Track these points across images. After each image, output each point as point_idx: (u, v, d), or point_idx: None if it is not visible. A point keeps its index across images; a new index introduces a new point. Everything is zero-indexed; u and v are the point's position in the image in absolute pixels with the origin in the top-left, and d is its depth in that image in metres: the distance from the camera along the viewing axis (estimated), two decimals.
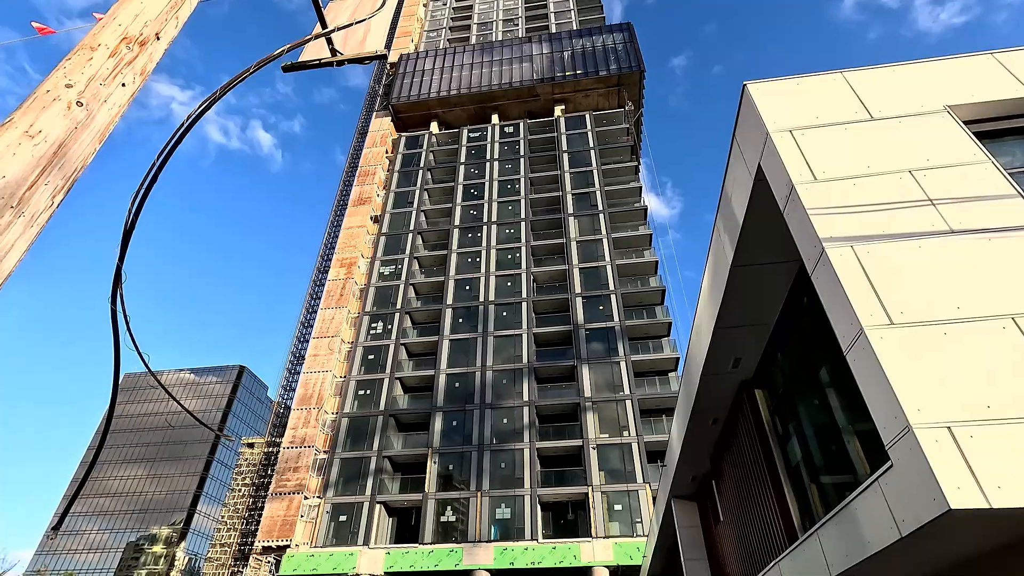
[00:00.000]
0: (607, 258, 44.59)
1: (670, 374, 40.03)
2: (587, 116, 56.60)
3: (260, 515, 44.38)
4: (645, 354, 39.74)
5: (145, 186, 2.87)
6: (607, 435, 35.98)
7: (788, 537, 6.84)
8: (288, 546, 33.25)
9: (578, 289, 43.37)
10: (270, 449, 53.03)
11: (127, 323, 2.91)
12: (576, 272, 44.43)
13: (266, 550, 33.60)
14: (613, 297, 42.15)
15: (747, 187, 5.51)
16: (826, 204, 4.18)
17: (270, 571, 33.92)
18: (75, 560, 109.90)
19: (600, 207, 48.29)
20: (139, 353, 3.10)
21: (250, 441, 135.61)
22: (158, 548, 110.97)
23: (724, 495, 10.35)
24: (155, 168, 2.93)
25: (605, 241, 45.79)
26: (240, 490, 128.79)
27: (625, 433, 35.62)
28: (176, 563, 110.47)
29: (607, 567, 30.76)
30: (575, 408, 37.67)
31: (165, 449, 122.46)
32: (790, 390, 7.24)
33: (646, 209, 48.59)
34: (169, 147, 3.01)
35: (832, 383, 5.87)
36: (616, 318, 40.85)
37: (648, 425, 36.50)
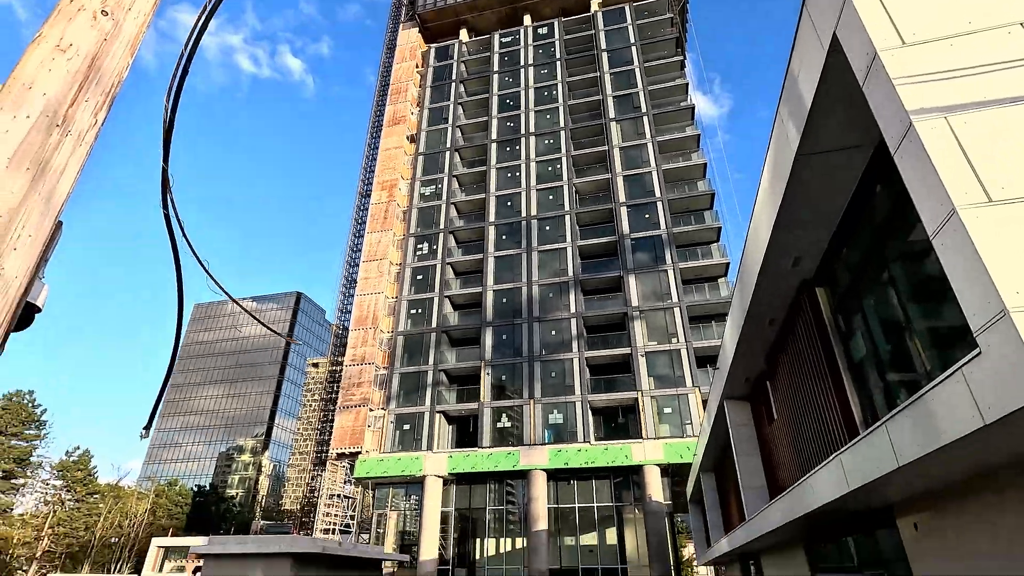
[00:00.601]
0: (652, 163, 42.73)
1: (719, 280, 39.31)
2: (627, 8, 52.10)
3: (332, 426, 48.26)
4: (693, 261, 38.93)
5: (178, 77, 2.79)
6: (655, 342, 36.28)
7: (848, 432, 6.81)
8: (359, 452, 36.28)
9: (622, 198, 42.14)
10: (334, 368, 56.53)
11: (181, 227, 2.96)
12: (620, 180, 42.97)
13: (340, 456, 36.84)
14: (659, 204, 40.82)
15: (818, 63, 4.94)
16: (915, 72, 3.68)
17: (345, 474, 37.27)
18: (177, 468, 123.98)
19: (643, 109, 45.61)
20: (196, 256, 3.17)
21: (314, 361, 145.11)
22: (246, 457, 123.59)
23: (778, 395, 10.34)
24: (184, 57, 2.82)
25: (650, 145, 43.66)
26: (310, 405, 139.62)
27: (674, 340, 35.80)
28: (263, 469, 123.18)
29: (658, 465, 32.15)
30: (622, 318, 37.89)
31: (240, 371, 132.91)
32: (855, 286, 6.91)
33: (693, 108, 45.60)
34: (198, 29, 2.88)
35: (906, 275, 5.52)
36: (663, 226, 39.79)
37: (697, 331, 36.49)
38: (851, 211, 6.43)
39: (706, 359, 35.96)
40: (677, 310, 36.51)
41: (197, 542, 52.41)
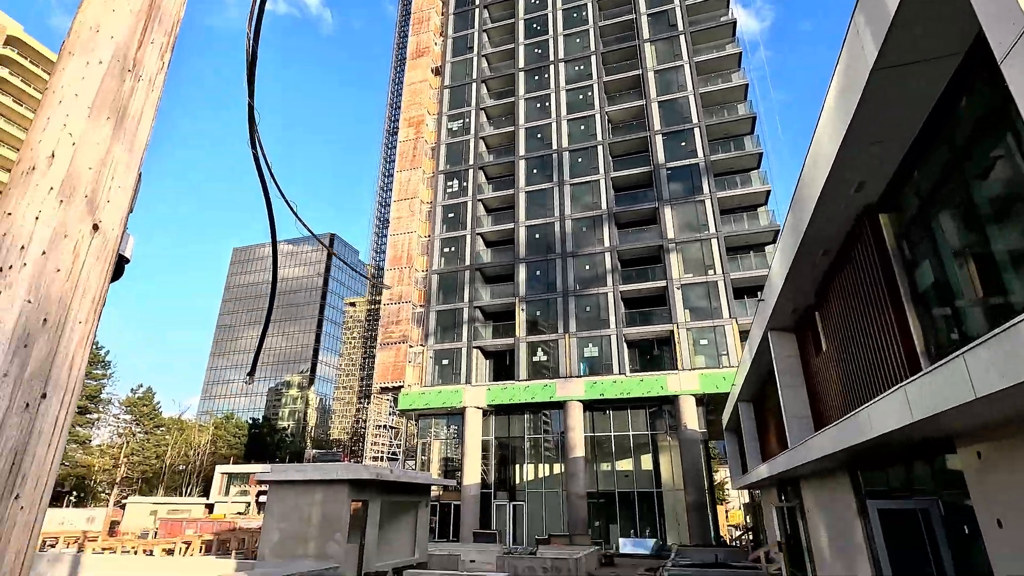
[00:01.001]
0: (689, 86, 40.43)
1: (759, 209, 37.94)
2: None
3: (374, 362, 50.26)
4: (732, 189, 37.50)
5: (256, 13, 2.67)
6: (691, 275, 35.77)
7: (908, 363, 6.65)
8: (401, 387, 37.82)
9: (657, 125, 40.34)
10: (373, 306, 58.06)
11: (267, 162, 2.92)
12: (655, 107, 40.98)
13: (384, 390, 38.52)
14: (697, 131, 38.98)
15: None
16: None
17: (390, 406, 39.06)
18: (231, 403, 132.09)
19: (680, 26, 42.67)
20: (282, 195, 3.16)
21: (351, 301, 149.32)
22: (294, 391, 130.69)
23: (828, 326, 10.12)
24: None
25: (687, 67, 41.16)
26: (350, 342, 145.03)
27: (711, 272, 35.21)
28: (310, 403, 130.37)
29: (693, 395, 32.55)
30: (658, 250, 37.28)
31: (282, 311, 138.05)
32: (925, 211, 6.52)
33: (735, 24, 42.40)
34: None
35: (989, 199, 5.15)
36: (700, 153, 38.17)
37: (734, 262, 35.73)
38: (927, 129, 5.95)
39: (744, 290, 35.41)
40: (714, 241, 35.65)
41: (257, 469, 56.71)
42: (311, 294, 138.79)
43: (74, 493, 55.77)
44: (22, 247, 1.61)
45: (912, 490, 7.91)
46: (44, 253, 1.63)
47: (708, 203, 36.75)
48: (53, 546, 25.92)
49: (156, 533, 31.88)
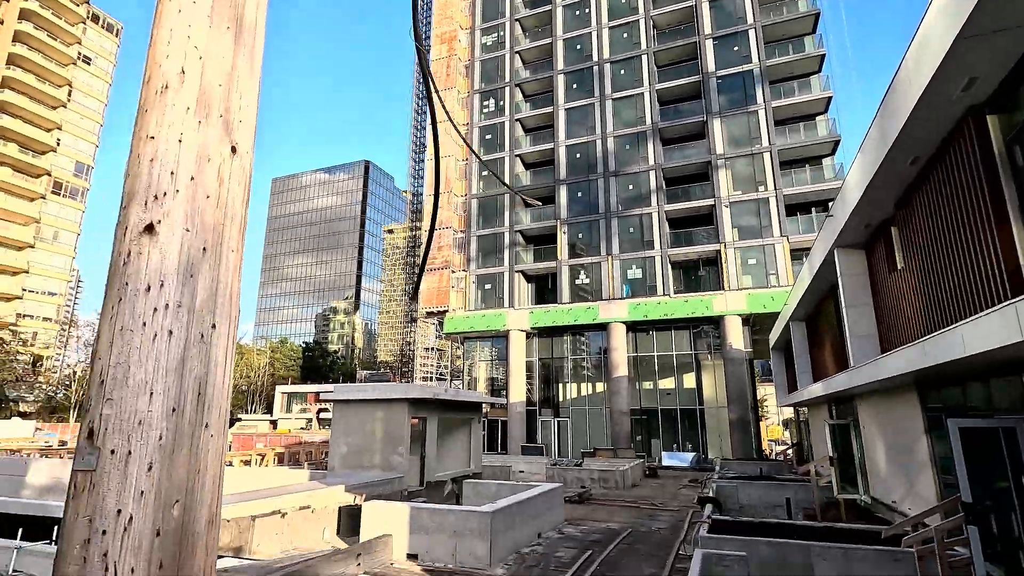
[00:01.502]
0: None
1: (818, 118, 35.34)
2: None
3: (415, 288, 51.33)
4: (788, 98, 34.85)
5: None
6: (741, 192, 34.24)
7: (1011, 282, 6.21)
8: (446, 311, 38.72)
9: (707, 29, 37.21)
10: (414, 232, 58.52)
11: (436, 90, 2.75)
12: (705, 7, 37.61)
13: (429, 314, 39.61)
14: (751, 32, 35.81)
15: None
16: None
17: (435, 330, 40.23)
18: (283, 328, 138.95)
19: None
20: (451, 120, 3.01)
21: (389, 228, 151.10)
22: (340, 317, 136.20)
23: (907, 241, 9.54)
24: None
25: None
26: (391, 269, 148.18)
27: (761, 188, 33.58)
28: (356, 327, 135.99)
29: (739, 315, 32.17)
30: (706, 167, 35.61)
31: (323, 240, 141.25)
32: None
33: None
34: None
35: None
36: (755, 58, 35.27)
37: (788, 177, 33.90)
38: None
39: (797, 207, 33.82)
40: (767, 155, 33.68)
41: (313, 389, 60.47)
42: (350, 223, 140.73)
43: None
44: (172, 172, 1.53)
45: (992, 408, 7.69)
46: (193, 179, 1.55)
47: (761, 113, 34.40)
48: None
49: (231, 446, 34.90)
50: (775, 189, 32.91)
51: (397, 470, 16.02)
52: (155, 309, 1.41)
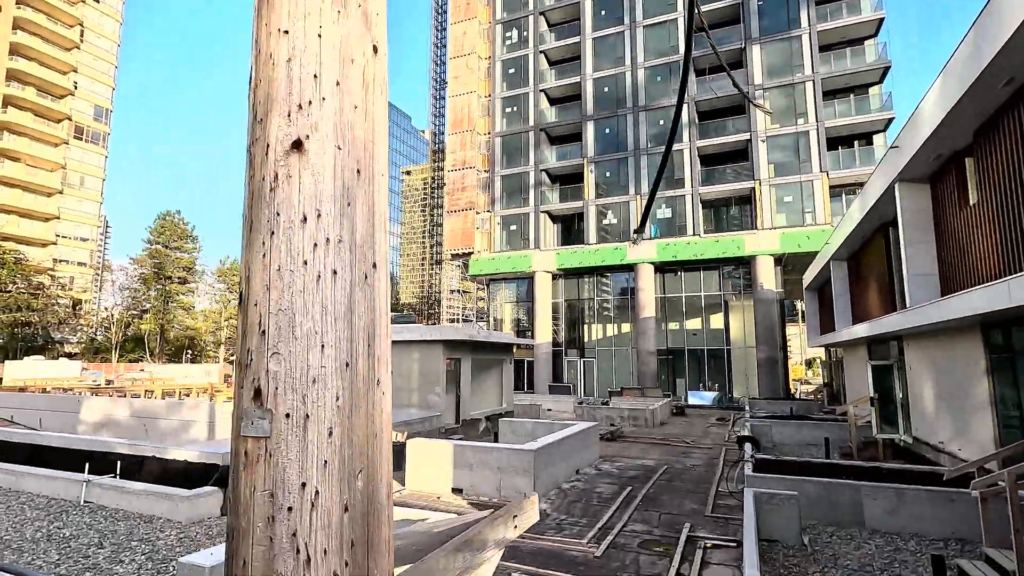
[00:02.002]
0: None
1: (866, 42, 32.91)
2: None
3: (436, 228, 50.99)
4: (835, 20, 32.34)
5: None
6: (779, 125, 32.53)
7: None
8: (471, 252, 38.51)
9: None
10: (437, 172, 57.57)
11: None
12: None
13: (454, 256, 39.48)
14: None
15: None
16: None
17: (461, 272, 40.25)
18: None
19: None
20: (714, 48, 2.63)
21: (407, 169, 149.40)
22: None
23: (986, 173, 8.84)
24: None
25: None
26: (411, 211, 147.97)
27: (801, 120, 31.82)
28: None
29: (771, 255, 31.36)
30: (742, 99, 33.70)
31: None
32: None
33: None
34: None
35: None
36: None
37: (830, 107, 32.01)
38: None
39: (838, 139, 32.13)
40: (810, 84, 31.69)
41: None
42: None
43: (189, 352, 63.39)
44: (314, 75, 1.23)
45: None
46: (338, 84, 1.26)
47: (805, 39, 32.10)
48: (187, 395, 30.01)
49: None
50: (816, 121, 31.17)
51: (434, 409, 16.37)
52: (315, 244, 1.16)
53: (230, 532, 1.09)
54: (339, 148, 1.23)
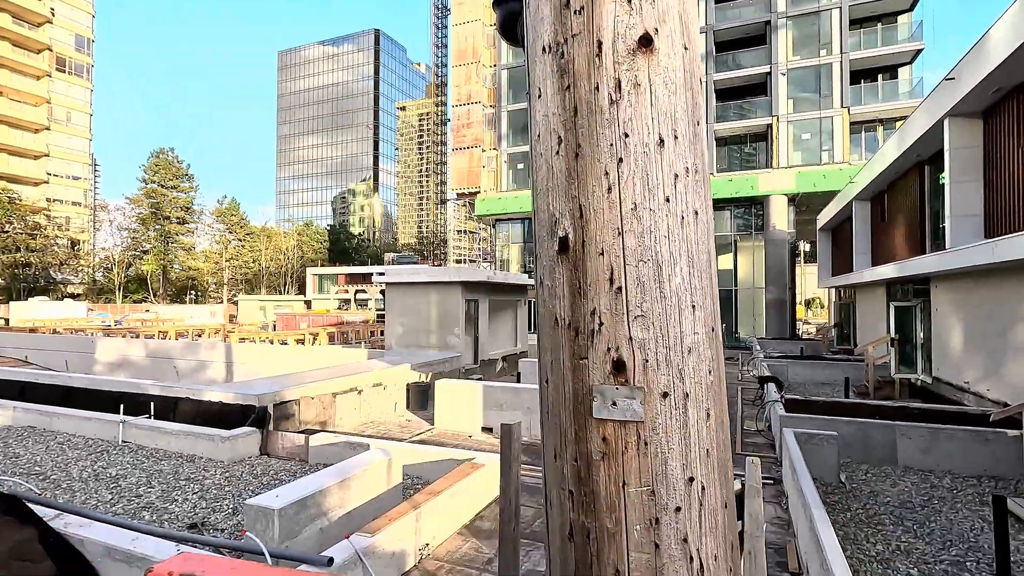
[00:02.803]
0: None
1: None
2: None
3: (442, 168, 49.54)
4: None
5: None
6: (800, 57, 31.07)
7: None
8: (478, 192, 37.69)
9: None
10: (437, 109, 55.53)
11: None
12: None
13: (460, 195, 38.67)
14: None
15: None
16: None
17: (467, 212, 39.59)
18: (302, 211, 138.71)
19: None
20: None
21: (402, 104, 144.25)
22: (360, 199, 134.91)
23: None
24: None
25: None
26: (408, 149, 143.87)
27: (824, 52, 30.36)
28: (376, 209, 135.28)
29: (786, 195, 30.79)
30: (763, 27, 32.04)
31: (334, 119, 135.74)
32: None
33: None
34: None
35: None
36: None
37: (855, 37, 30.47)
38: None
39: (861, 72, 30.79)
40: (836, 12, 30.00)
41: (345, 271, 61.61)
42: (362, 99, 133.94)
43: (192, 293, 63.38)
44: None
45: None
46: None
47: None
48: (199, 336, 30.14)
49: (275, 326, 36.32)
50: (841, 52, 29.75)
51: (454, 349, 16.41)
52: (675, 176, 0.90)
53: (579, 530, 0.89)
54: (686, 48, 0.94)
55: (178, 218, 58.34)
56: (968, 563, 5.58)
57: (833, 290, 28.84)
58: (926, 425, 8.64)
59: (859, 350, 16.61)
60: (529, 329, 36.99)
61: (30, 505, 4.55)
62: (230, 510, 6.64)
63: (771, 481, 8.17)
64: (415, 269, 17.28)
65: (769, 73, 31.30)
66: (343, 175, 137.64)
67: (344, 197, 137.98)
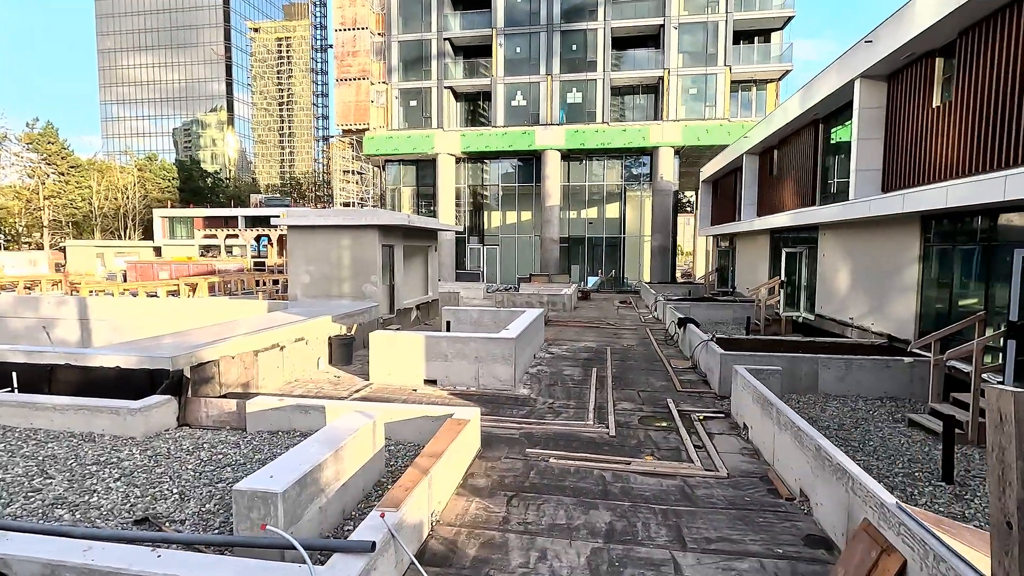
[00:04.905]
0: None
1: None
2: None
3: (321, 101, 44.67)
4: None
5: None
6: (689, 12, 32.29)
7: None
8: (366, 129, 34.86)
9: None
10: (319, 32, 49.52)
11: None
12: None
13: (346, 132, 35.46)
14: None
15: None
16: None
17: (352, 151, 36.62)
18: (135, 142, 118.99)
19: None
20: None
21: (255, 26, 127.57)
22: (211, 132, 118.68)
23: (965, 72, 9.39)
24: None
25: None
26: (265, 77, 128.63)
27: (712, 9, 31.83)
28: (231, 144, 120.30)
29: (672, 147, 32.54)
30: None
31: (172, 35, 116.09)
32: None
33: None
34: None
35: None
36: None
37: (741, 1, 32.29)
38: None
39: (743, 33, 32.88)
40: None
41: (202, 213, 54.40)
42: (208, 13, 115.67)
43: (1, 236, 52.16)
44: None
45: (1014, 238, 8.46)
46: None
47: None
48: (31, 288, 24.87)
49: (126, 276, 31.22)
50: (727, 12, 31.37)
51: (372, 299, 15.26)
52: None
53: None
54: None
55: None
56: (915, 473, 6.39)
57: (711, 238, 31.54)
58: (842, 357, 9.74)
59: (751, 292, 18.36)
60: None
61: None
62: (176, 495, 5.49)
63: (722, 415, 8.75)
64: (324, 212, 15.56)
65: (663, 26, 32.19)
66: (186, 103, 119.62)
67: (189, 129, 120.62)
